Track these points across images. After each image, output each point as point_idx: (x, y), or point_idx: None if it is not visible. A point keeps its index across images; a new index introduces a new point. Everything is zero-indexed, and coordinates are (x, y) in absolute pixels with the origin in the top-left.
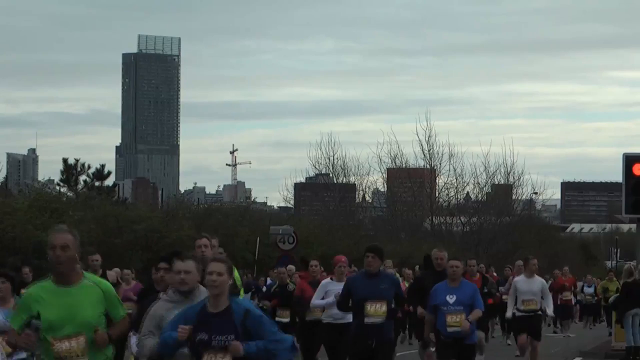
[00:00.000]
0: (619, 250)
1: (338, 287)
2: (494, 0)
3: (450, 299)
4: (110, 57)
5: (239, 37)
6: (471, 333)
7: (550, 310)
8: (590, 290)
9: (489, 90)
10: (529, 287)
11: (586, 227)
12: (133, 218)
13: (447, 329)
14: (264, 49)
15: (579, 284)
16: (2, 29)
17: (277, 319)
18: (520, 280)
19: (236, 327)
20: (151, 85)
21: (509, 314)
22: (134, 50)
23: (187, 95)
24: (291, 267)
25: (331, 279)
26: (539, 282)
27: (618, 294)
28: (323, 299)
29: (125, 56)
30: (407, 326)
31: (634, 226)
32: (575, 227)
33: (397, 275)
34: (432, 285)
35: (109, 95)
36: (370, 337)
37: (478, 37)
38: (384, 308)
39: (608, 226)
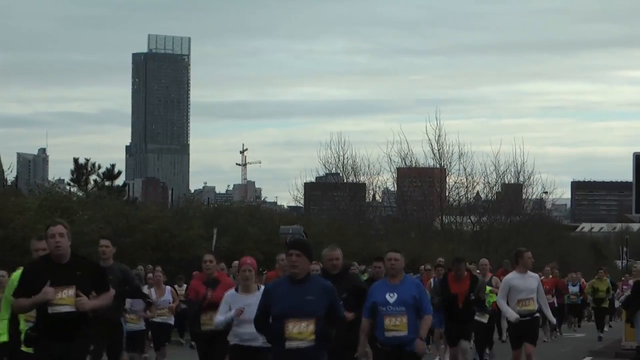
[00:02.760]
0: (628, 249)
1: (244, 300)
2: (504, 0)
3: (391, 297)
4: (120, 57)
5: (249, 36)
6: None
7: (550, 315)
8: (575, 289)
9: (500, 90)
10: (525, 285)
11: (596, 226)
12: (143, 217)
13: (384, 333)
14: (275, 49)
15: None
16: (13, 30)
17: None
18: (514, 277)
19: None
20: (161, 85)
21: (511, 317)
22: (144, 50)
23: (197, 94)
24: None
25: (236, 289)
26: (534, 278)
27: (630, 294)
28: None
29: (135, 56)
30: None
31: None
32: (586, 226)
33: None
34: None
35: (119, 95)
36: None
37: (488, 37)
38: (312, 327)
39: (618, 225)
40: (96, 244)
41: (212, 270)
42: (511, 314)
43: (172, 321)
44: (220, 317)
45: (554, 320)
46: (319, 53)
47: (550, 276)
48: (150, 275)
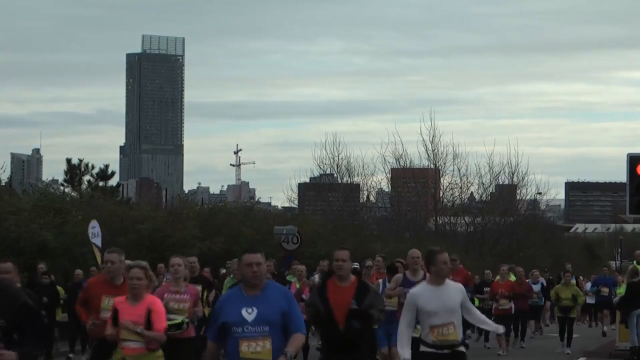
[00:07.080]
0: (622, 250)
1: None
2: (501, 1)
3: (249, 314)
4: (114, 57)
5: (244, 37)
6: None
7: (492, 326)
8: (537, 287)
9: (496, 91)
10: (441, 302)
11: (590, 227)
12: (137, 218)
13: None
14: (269, 50)
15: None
16: (8, 30)
17: None
18: (422, 291)
19: None
20: (155, 85)
21: (404, 355)
22: (138, 50)
23: (191, 95)
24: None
25: None
26: (456, 290)
27: (623, 294)
28: None
29: (130, 56)
30: None
31: (638, 226)
32: (579, 227)
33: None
34: None
35: (113, 96)
36: None
37: (485, 38)
38: None
39: (612, 226)
40: (89, 245)
41: None
42: (401, 349)
43: None
44: None
45: (499, 329)
46: (315, 54)
47: (514, 278)
48: None
